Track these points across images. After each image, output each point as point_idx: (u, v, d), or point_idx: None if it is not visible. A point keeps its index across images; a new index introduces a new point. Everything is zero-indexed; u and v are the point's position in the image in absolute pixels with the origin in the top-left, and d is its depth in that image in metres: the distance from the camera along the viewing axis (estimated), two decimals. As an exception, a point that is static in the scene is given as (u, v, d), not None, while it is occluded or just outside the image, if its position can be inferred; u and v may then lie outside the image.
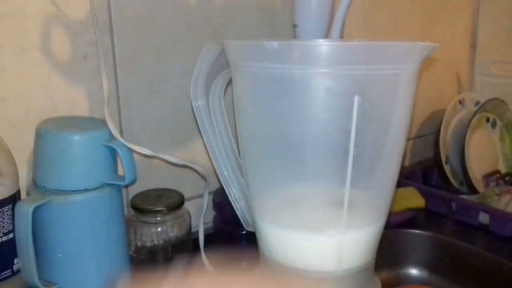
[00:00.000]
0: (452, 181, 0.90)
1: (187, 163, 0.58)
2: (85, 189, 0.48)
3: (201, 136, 0.53)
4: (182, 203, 0.58)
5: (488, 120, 0.96)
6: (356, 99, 0.40)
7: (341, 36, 0.66)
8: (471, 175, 0.88)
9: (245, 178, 0.50)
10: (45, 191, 0.48)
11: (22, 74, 0.54)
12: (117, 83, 0.61)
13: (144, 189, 0.60)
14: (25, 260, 0.47)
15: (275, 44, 0.40)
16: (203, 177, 0.61)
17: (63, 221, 0.48)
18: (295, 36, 0.68)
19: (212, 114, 0.52)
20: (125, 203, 0.59)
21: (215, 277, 0.35)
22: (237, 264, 0.63)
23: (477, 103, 0.96)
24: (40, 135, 0.49)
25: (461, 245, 0.69)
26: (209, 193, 0.61)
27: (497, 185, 0.89)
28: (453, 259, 0.69)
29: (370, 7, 0.86)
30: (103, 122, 0.51)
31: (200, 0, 0.65)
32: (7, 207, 0.47)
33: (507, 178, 0.93)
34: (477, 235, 0.74)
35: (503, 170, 0.97)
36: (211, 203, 0.65)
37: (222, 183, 0.54)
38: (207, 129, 0.52)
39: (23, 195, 0.51)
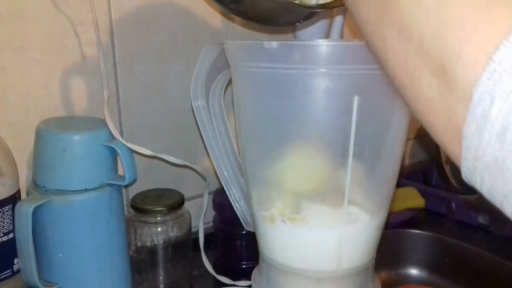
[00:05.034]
0: (452, 181, 0.90)
1: (187, 163, 0.58)
2: (85, 189, 0.48)
3: (201, 136, 0.53)
4: (182, 203, 0.58)
5: (488, 120, 0.96)
6: (356, 99, 0.40)
7: (341, 36, 0.66)
8: (471, 175, 0.88)
9: (245, 178, 0.51)
10: (45, 191, 0.48)
11: (22, 74, 0.54)
12: (117, 83, 0.61)
13: (144, 189, 0.60)
14: (25, 260, 0.47)
15: (274, 44, 0.40)
16: (203, 177, 0.61)
17: (63, 221, 0.48)
18: (295, 36, 0.68)
19: (212, 114, 0.52)
20: (125, 203, 0.59)
21: None
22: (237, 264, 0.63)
23: (477, 103, 0.96)
24: (40, 135, 0.49)
25: (461, 245, 0.69)
26: (209, 193, 0.61)
27: (497, 185, 0.89)
28: (453, 259, 0.69)
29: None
30: (103, 122, 0.51)
31: (200, 0, 0.65)
32: (7, 207, 0.47)
33: (507, 178, 0.93)
34: (477, 235, 0.74)
35: (503, 170, 0.96)
36: (211, 203, 0.65)
37: (222, 183, 0.54)
38: (207, 129, 0.52)
39: (23, 195, 0.51)
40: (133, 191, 0.60)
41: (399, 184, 0.49)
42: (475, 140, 0.21)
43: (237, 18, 0.69)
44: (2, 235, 0.47)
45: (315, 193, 0.44)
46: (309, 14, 0.48)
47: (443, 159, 0.90)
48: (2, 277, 0.48)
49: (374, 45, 0.27)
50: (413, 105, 0.25)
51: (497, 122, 0.20)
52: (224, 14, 0.68)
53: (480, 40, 0.20)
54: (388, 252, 0.66)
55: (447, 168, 0.90)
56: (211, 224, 0.67)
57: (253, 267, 0.52)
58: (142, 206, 0.56)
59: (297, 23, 0.49)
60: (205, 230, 0.61)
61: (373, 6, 0.26)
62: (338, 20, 0.61)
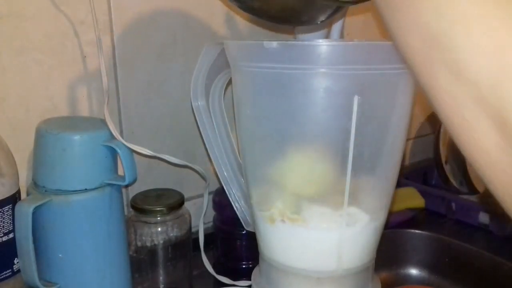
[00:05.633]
0: (452, 181, 0.90)
1: (187, 163, 0.58)
2: (85, 189, 0.48)
3: (201, 136, 0.53)
4: (182, 203, 0.58)
5: (488, 120, 0.96)
6: (356, 99, 0.40)
7: (341, 36, 0.66)
8: (471, 175, 0.88)
9: (245, 178, 0.51)
10: (45, 191, 0.48)
11: (22, 74, 0.54)
12: (117, 83, 0.61)
13: (144, 189, 0.60)
14: (25, 260, 0.47)
15: (275, 44, 0.40)
16: (203, 177, 0.61)
17: (63, 221, 0.48)
18: (295, 36, 0.68)
19: (212, 114, 0.52)
20: (125, 203, 0.59)
21: None
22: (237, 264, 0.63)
23: (477, 103, 0.96)
24: (40, 135, 0.49)
25: (460, 245, 0.69)
26: (209, 193, 0.61)
27: (497, 185, 0.89)
28: (452, 259, 0.69)
29: (370, 7, 0.86)
30: (103, 122, 0.51)
31: (200, 0, 0.65)
32: (7, 207, 0.47)
33: (507, 178, 0.92)
34: (477, 235, 0.74)
35: (503, 170, 0.96)
36: (211, 203, 0.65)
37: (222, 183, 0.54)
38: (207, 129, 0.52)
39: (23, 195, 0.51)
40: (133, 191, 0.60)
41: (399, 184, 0.49)
42: None
43: (237, 18, 0.69)
44: (2, 235, 0.47)
45: (315, 194, 0.44)
46: (334, 11, 0.46)
47: (443, 159, 0.90)
48: (2, 277, 0.48)
49: (418, 75, 0.24)
50: (467, 153, 0.23)
51: None
52: (224, 14, 0.68)
53: None
54: (388, 252, 0.66)
55: (447, 168, 0.90)
56: (211, 224, 0.67)
57: (253, 267, 0.52)
58: (142, 206, 0.56)
59: (319, 22, 0.47)
60: (205, 230, 0.61)
61: (418, 32, 0.23)
62: (338, 20, 0.61)
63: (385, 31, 0.26)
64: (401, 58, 0.25)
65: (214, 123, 0.53)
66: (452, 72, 0.21)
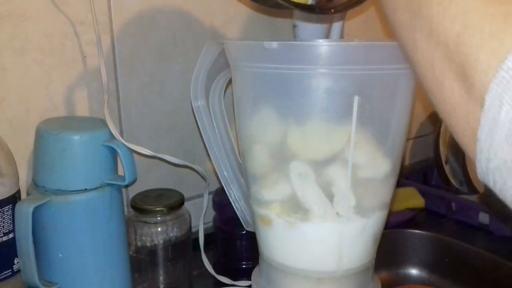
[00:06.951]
0: (452, 181, 0.90)
1: (187, 163, 0.58)
2: (85, 189, 0.48)
3: (201, 136, 0.53)
4: (182, 203, 0.58)
5: (488, 120, 0.96)
6: (356, 99, 0.40)
7: (341, 36, 0.66)
8: (471, 175, 0.88)
9: (245, 178, 0.51)
10: (45, 191, 0.48)
11: (22, 74, 0.54)
12: (117, 83, 0.61)
13: (144, 189, 0.60)
14: (25, 260, 0.47)
15: (275, 44, 0.40)
16: (203, 177, 0.61)
17: (63, 221, 0.48)
18: (295, 36, 0.68)
19: (212, 114, 0.52)
20: (125, 203, 0.59)
21: None
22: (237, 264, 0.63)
23: (477, 103, 0.96)
24: (40, 135, 0.49)
25: (460, 245, 0.69)
26: (209, 193, 0.61)
27: (497, 185, 0.89)
28: (452, 259, 0.69)
29: (370, 7, 0.86)
30: (103, 122, 0.51)
31: (200, 0, 0.65)
32: (7, 207, 0.47)
33: (507, 178, 0.92)
34: (477, 235, 0.75)
35: (503, 170, 0.96)
36: (211, 203, 0.65)
37: (222, 183, 0.54)
38: (207, 129, 0.52)
39: (23, 195, 0.51)
40: (133, 191, 0.60)
41: (399, 184, 0.49)
42: (487, 142, 0.23)
43: (237, 18, 0.69)
44: (2, 235, 0.47)
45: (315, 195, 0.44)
46: None
47: (443, 159, 0.90)
48: (2, 277, 0.48)
49: (405, 47, 0.28)
50: (438, 107, 0.27)
51: (505, 126, 0.21)
52: (224, 14, 0.68)
53: (495, 48, 0.22)
54: (388, 252, 0.66)
55: (447, 168, 0.90)
56: (211, 224, 0.67)
57: (253, 267, 0.52)
58: (142, 206, 0.56)
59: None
60: (205, 230, 0.61)
61: (407, 10, 0.27)
62: (338, 23, 0.61)
63: (388, 31, 0.28)
64: (393, 35, 0.29)
65: (214, 123, 0.53)
66: (427, 36, 0.25)
